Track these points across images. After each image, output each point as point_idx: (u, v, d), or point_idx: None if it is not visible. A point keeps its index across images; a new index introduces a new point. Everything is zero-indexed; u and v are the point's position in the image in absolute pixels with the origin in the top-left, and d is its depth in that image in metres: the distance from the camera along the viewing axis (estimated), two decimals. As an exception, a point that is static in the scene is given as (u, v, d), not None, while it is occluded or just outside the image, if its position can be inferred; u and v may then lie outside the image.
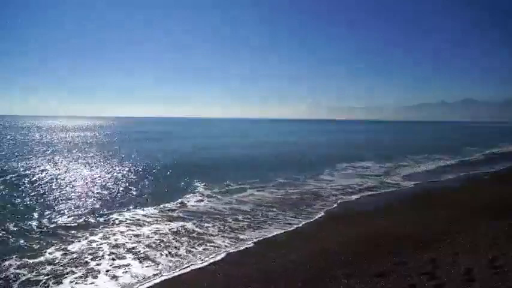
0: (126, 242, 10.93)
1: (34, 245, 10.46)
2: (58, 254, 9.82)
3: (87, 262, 9.34)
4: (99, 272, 8.83)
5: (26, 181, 20.19)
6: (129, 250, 10.28)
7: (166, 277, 8.63)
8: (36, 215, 13.67)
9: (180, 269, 9.07)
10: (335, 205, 16.01)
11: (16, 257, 9.54)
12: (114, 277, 8.59)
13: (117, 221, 13.08)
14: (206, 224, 12.88)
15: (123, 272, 8.85)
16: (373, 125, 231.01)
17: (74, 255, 9.75)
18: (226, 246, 10.75)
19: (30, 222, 12.67)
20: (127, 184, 20.23)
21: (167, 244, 10.82)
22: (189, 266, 9.26)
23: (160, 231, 11.95)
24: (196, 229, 12.27)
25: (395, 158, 33.56)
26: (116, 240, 11.11)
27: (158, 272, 8.89)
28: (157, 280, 8.47)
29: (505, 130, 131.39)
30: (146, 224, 12.86)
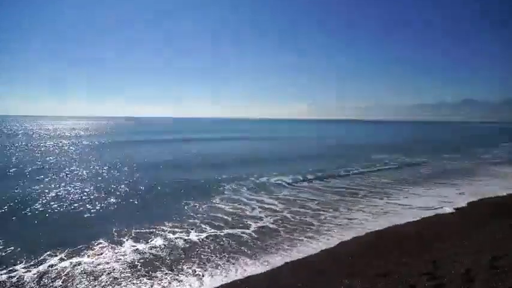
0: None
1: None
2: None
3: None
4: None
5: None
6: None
7: None
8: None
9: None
10: (338, 202, 15.98)
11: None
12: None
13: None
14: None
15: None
16: (373, 125, 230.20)
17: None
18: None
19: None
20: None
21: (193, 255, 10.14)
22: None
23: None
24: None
25: (404, 157, 34.24)
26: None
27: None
28: None
29: (506, 130, 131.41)
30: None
